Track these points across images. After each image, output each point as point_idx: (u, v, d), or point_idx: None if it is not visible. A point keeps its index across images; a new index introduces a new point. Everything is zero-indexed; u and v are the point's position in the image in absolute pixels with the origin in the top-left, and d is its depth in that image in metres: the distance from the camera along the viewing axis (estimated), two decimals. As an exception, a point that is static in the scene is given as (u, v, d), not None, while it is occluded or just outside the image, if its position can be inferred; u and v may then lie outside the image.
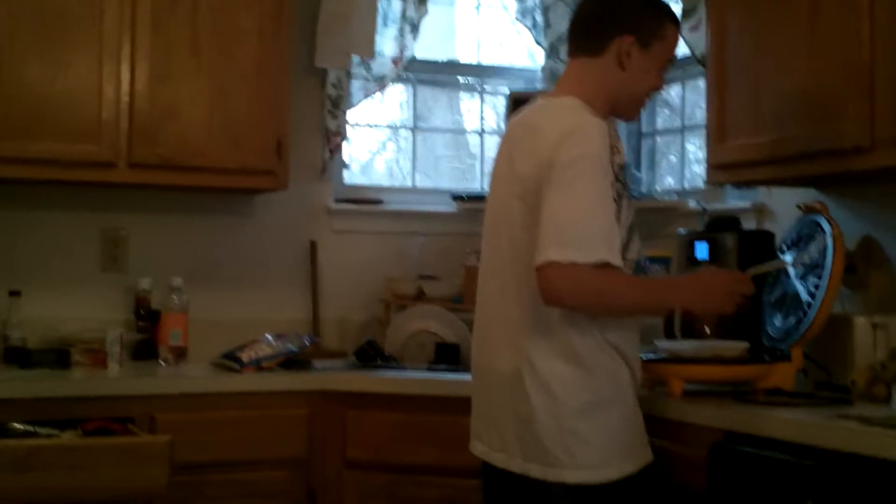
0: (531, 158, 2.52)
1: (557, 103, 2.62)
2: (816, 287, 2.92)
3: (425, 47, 4.59)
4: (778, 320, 3.05)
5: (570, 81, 2.67)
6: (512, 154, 2.63)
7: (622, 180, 2.53)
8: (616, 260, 2.42)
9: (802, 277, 3.00)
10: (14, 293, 3.82)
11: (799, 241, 3.09)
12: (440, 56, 4.81)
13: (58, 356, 3.69)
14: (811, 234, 3.03)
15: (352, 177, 4.66)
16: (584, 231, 2.40)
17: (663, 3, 2.74)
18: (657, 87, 2.74)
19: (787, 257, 3.08)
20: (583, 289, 2.41)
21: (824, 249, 2.93)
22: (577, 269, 2.38)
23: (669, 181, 4.55)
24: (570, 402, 2.48)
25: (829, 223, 2.96)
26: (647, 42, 2.63)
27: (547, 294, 2.42)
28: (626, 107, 2.71)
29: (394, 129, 4.79)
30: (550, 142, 2.47)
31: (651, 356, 2.95)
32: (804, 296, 2.95)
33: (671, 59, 2.73)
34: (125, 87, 3.73)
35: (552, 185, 2.43)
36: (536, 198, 2.47)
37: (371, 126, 4.70)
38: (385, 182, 4.75)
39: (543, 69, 4.68)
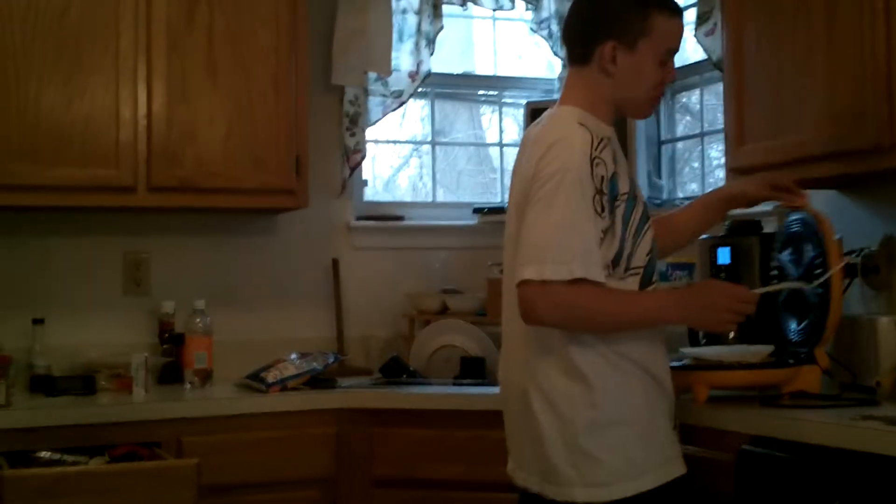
0: (521, 172, 2.52)
1: (554, 114, 2.58)
2: (822, 287, 2.87)
3: (442, 61, 4.58)
4: (794, 324, 3.01)
5: (568, 90, 2.62)
6: (515, 167, 2.62)
7: (608, 191, 2.44)
8: (594, 275, 2.37)
9: (803, 278, 2.96)
10: (38, 321, 3.83)
11: (791, 241, 3.05)
12: (458, 69, 4.81)
13: (83, 383, 3.69)
14: (803, 234, 2.99)
15: (375, 193, 4.65)
16: (558, 247, 2.35)
17: None
18: (663, 81, 2.61)
19: (793, 271, 3.03)
20: (560, 306, 2.37)
21: (820, 247, 2.88)
22: (551, 286, 2.34)
23: (693, 188, 4.52)
24: (577, 420, 2.44)
25: (818, 219, 2.91)
26: (633, 43, 2.52)
27: (524, 313, 2.40)
28: (631, 108, 2.66)
29: (413, 144, 4.79)
30: (536, 155, 2.45)
31: (675, 364, 2.93)
32: (812, 297, 2.91)
33: (670, 50, 2.59)
34: (142, 109, 3.74)
35: (531, 201, 2.41)
36: (523, 212, 2.44)
37: (391, 142, 4.69)
38: (409, 198, 4.74)
39: (560, 79, 4.67)
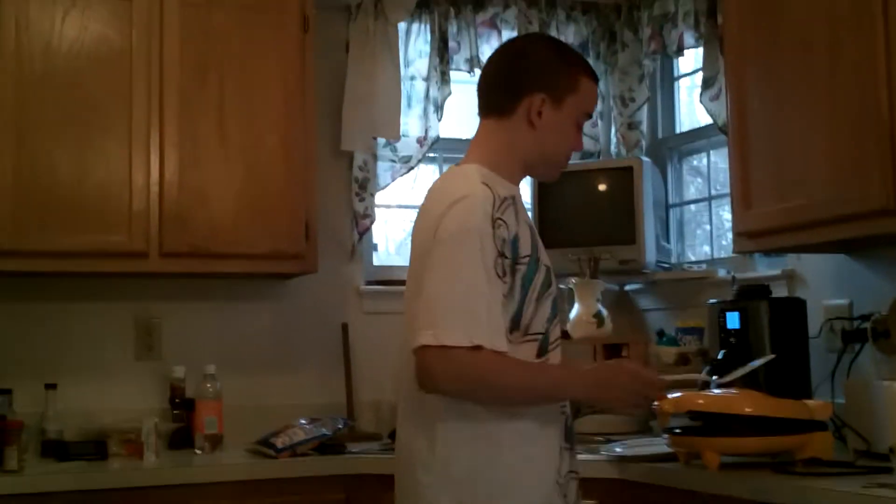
0: (422, 228, 2.43)
1: (457, 171, 2.50)
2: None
3: (450, 126, 4.62)
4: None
5: (478, 144, 2.53)
6: (416, 222, 2.53)
7: (510, 254, 2.34)
8: (494, 343, 2.27)
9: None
10: (50, 386, 3.84)
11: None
12: (466, 134, 4.84)
13: (95, 448, 3.70)
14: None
15: (388, 257, 4.67)
16: (458, 312, 2.25)
17: (577, 54, 2.61)
18: (575, 146, 2.56)
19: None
20: (459, 372, 2.26)
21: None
22: (451, 352, 2.23)
23: (705, 250, 4.54)
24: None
25: None
26: (561, 98, 2.47)
27: (421, 379, 2.30)
28: (542, 169, 2.58)
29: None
30: (435, 216, 2.36)
31: (678, 431, 2.93)
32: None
33: (587, 113, 2.56)
34: (154, 175, 3.78)
35: (429, 265, 2.31)
36: (422, 276, 2.35)
37: (401, 207, 4.72)
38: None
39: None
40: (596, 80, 2.56)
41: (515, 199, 2.44)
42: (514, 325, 2.37)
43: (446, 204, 2.35)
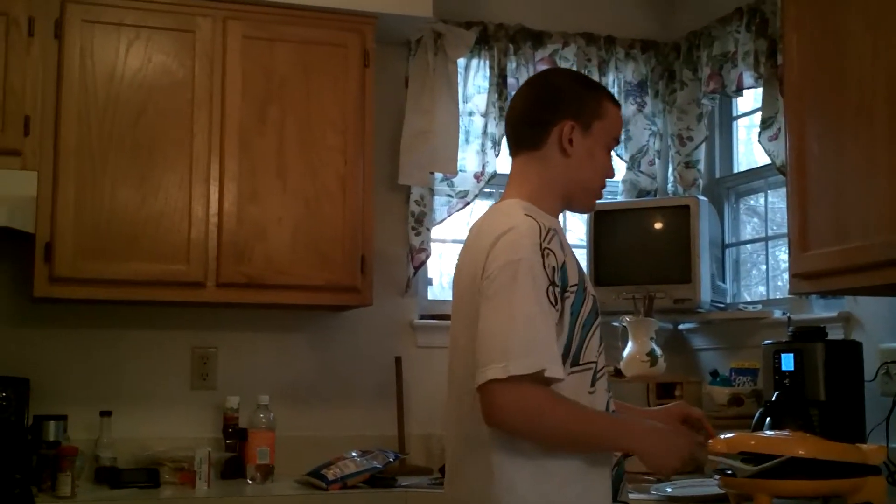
0: (467, 269, 2.43)
1: (497, 208, 2.51)
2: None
3: (507, 161, 4.60)
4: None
5: (515, 181, 2.54)
6: (458, 264, 2.54)
7: (559, 282, 2.33)
8: (555, 371, 2.25)
9: None
10: (105, 413, 3.89)
11: None
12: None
13: (148, 475, 3.74)
14: None
15: (442, 291, 4.69)
16: (521, 342, 2.23)
17: (596, 81, 2.63)
18: (607, 171, 2.55)
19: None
20: (525, 406, 2.24)
21: None
22: (519, 385, 2.21)
23: (761, 290, 4.51)
24: None
25: None
26: (589, 124, 2.48)
27: (487, 412, 2.26)
28: (579, 197, 2.54)
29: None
30: (481, 252, 2.35)
31: (729, 472, 2.90)
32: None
33: (615, 138, 2.55)
34: (214, 207, 3.83)
35: (484, 298, 2.29)
36: (473, 313, 2.33)
37: (456, 241, 4.73)
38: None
39: (624, 181, 4.71)
40: (618, 105, 2.59)
41: (558, 231, 2.44)
42: (565, 353, 2.35)
43: (492, 238, 2.35)
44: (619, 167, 4.71)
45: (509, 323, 2.25)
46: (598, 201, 2.61)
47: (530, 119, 2.53)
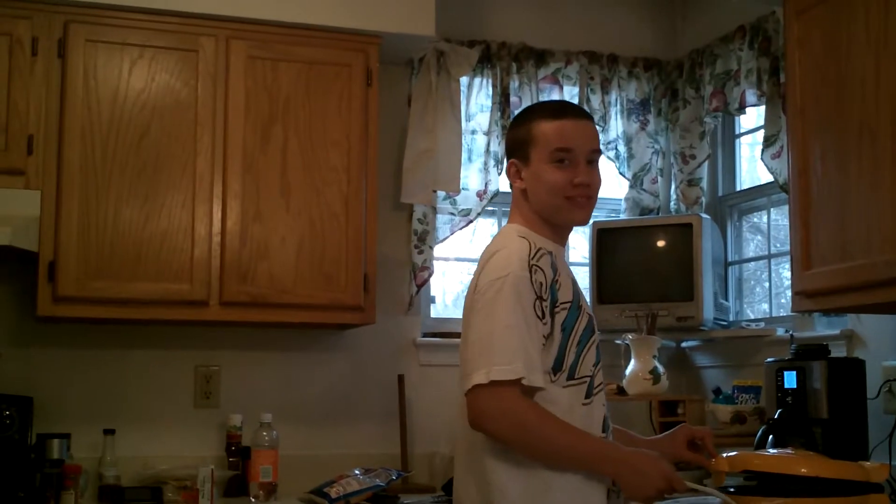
0: (468, 292, 2.55)
1: (499, 232, 2.67)
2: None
3: (510, 180, 4.62)
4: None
5: (512, 210, 2.66)
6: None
7: (548, 297, 2.43)
8: (535, 379, 2.36)
9: None
10: (108, 431, 3.89)
11: None
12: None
13: (151, 494, 3.74)
14: None
15: (445, 309, 4.69)
16: (501, 349, 2.34)
17: (533, 106, 2.70)
18: (563, 182, 2.52)
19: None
20: (508, 413, 2.34)
21: None
22: (502, 390, 2.33)
23: (764, 308, 4.51)
24: None
25: None
26: (526, 155, 2.56)
27: (472, 417, 2.38)
28: (556, 214, 2.56)
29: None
30: (477, 271, 2.51)
31: (732, 490, 2.90)
32: None
33: (557, 149, 2.52)
34: (217, 227, 3.84)
35: (472, 313, 2.44)
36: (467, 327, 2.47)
37: (459, 260, 4.74)
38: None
39: (627, 199, 4.71)
40: (557, 114, 2.58)
41: (553, 253, 2.52)
42: (558, 366, 2.44)
43: (485, 259, 2.49)
44: (622, 185, 4.73)
45: (492, 333, 2.37)
46: (604, 217, 2.66)
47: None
